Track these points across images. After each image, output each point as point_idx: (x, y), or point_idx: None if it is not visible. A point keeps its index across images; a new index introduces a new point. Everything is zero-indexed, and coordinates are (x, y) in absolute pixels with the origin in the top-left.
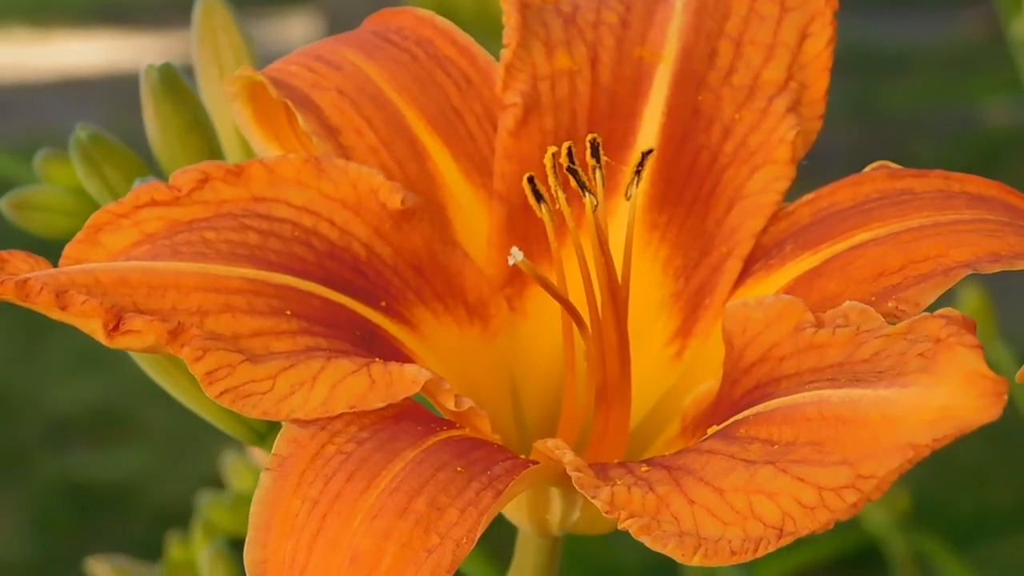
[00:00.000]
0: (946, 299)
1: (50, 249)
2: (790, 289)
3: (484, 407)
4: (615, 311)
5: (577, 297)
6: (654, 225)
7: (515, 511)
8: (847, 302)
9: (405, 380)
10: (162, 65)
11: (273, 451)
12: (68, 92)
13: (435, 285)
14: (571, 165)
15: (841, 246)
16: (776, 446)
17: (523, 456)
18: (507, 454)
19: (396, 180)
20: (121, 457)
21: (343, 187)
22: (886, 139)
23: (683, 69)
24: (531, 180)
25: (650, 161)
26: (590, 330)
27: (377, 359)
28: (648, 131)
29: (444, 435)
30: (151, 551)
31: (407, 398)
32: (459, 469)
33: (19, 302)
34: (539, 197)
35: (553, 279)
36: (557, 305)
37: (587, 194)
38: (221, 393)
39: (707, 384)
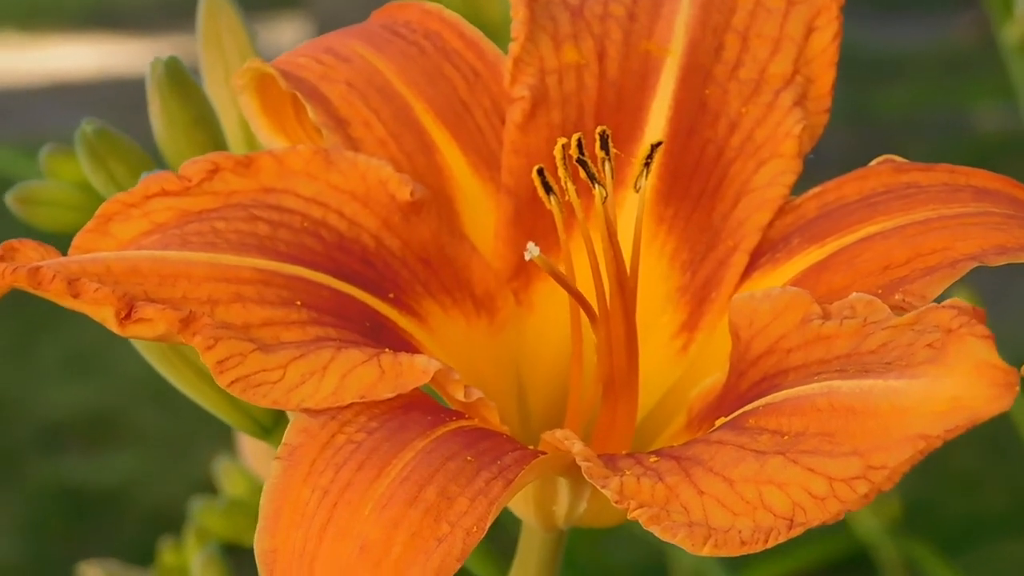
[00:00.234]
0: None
1: (55, 244)
2: (797, 282)
3: (491, 399)
4: (623, 303)
5: (585, 289)
6: (661, 218)
7: (522, 504)
8: (854, 294)
9: (415, 370)
10: (168, 59)
11: (283, 440)
12: (60, 96)
13: (443, 278)
14: (581, 156)
15: (848, 239)
16: (786, 437)
17: (531, 447)
18: (516, 444)
19: (404, 173)
20: (114, 461)
21: (352, 179)
22: (879, 143)
23: (690, 63)
24: (541, 172)
25: (658, 154)
26: (599, 322)
27: (386, 350)
28: (655, 125)
29: (453, 425)
30: (143, 555)
31: (416, 389)
32: (469, 459)
33: (31, 289)
34: (548, 189)
35: (562, 271)
36: (564, 298)
37: (597, 186)
38: (232, 382)
39: (713, 377)
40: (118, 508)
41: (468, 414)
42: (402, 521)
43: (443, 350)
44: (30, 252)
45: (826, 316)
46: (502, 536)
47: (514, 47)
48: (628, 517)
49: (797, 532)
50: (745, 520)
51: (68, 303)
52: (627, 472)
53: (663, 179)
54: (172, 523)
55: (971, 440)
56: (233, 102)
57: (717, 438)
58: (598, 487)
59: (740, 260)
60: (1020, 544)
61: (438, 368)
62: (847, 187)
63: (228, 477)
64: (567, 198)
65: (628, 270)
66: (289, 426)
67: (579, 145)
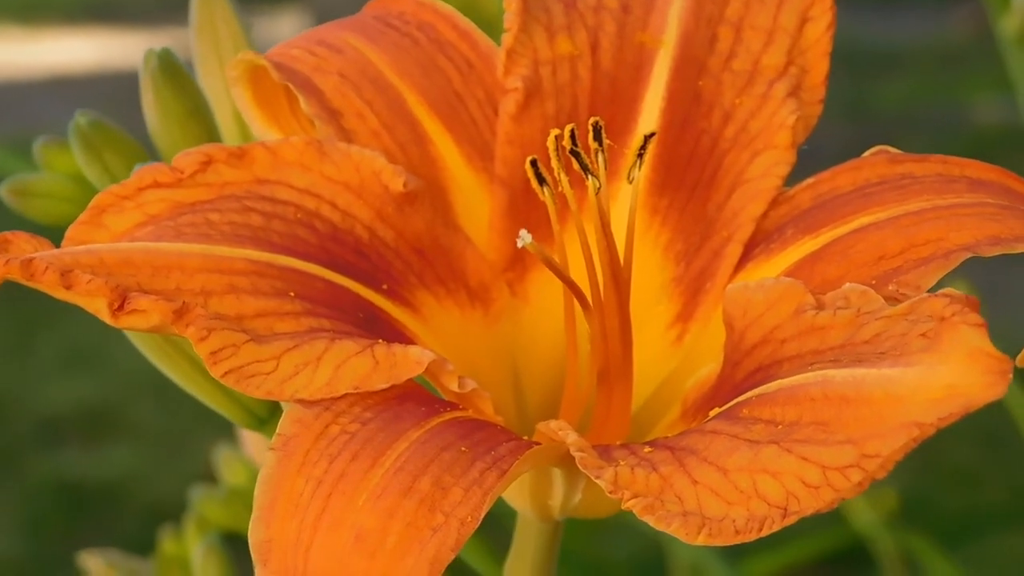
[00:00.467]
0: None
1: (49, 236)
2: (791, 273)
3: (485, 390)
4: (617, 293)
5: (579, 280)
6: (655, 210)
7: (517, 495)
8: (848, 284)
9: (409, 361)
10: (162, 51)
11: (277, 431)
12: (58, 90)
13: (437, 268)
14: (574, 147)
15: (842, 230)
16: (780, 426)
17: (526, 438)
18: (511, 435)
19: (398, 164)
20: (112, 455)
21: (346, 170)
22: (876, 136)
23: (684, 54)
24: (534, 163)
25: (651, 145)
26: (593, 313)
27: (380, 340)
28: (649, 116)
29: (448, 416)
30: (142, 549)
31: (410, 380)
32: (463, 449)
33: (24, 281)
34: (542, 180)
35: (555, 259)
36: (558, 289)
37: (590, 177)
38: (225, 373)
39: (708, 368)
40: (117, 503)
41: (462, 405)
42: (397, 511)
43: (437, 341)
44: (23, 244)
45: (820, 306)
46: (498, 527)
47: (507, 38)
48: (622, 507)
49: (791, 521)
50: (739, 509)
51: (61, 295)
52: (621, 462)
53: (657, 170)
54: (171, 517)
55: (969, 434)
56: (227, 93)
57: (711, 428)
58: (592, 477)
59: (734, 251)
60: (1018, 537)
61: (432, 359)
62: (841, 178)
63: (228, 466)
64: (560, 189)
65: (622, 261)
66: (283, 417)
67: (572, 136)
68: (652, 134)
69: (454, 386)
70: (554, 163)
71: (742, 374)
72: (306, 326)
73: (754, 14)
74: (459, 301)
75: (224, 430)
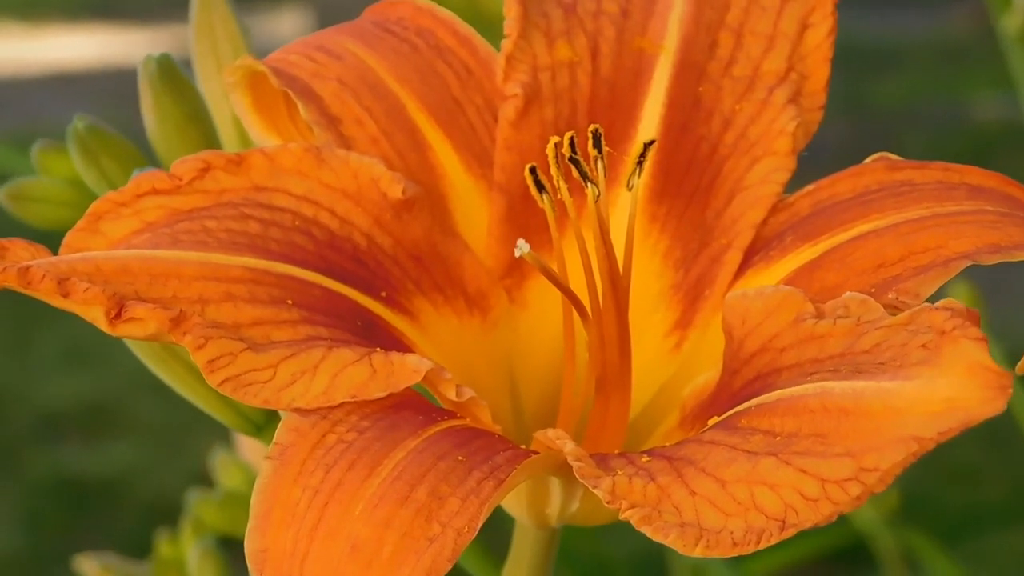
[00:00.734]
0: (937, 296)
1: (47, 240)
2: (790, 280)
3: (483, 398)
4: (616, 301)
5: (577, 288)
6: (654, 216)
7: (514, 503)
8: (847, 293)
9: (406, 370)
10: (160, 55)
11: (274, 440)
12: (59, 87)
13: (435, 276)
14: (573, 155)
15: (841, 237)
16: (778, 437)
17: (523, 447)
18: (508, 444)
19: (397, 170)
20: (112, 452)
21: (344, 177)
22: (877, 133)
23: (684, 60)
24: (533, 170)
25: (651, 152)
26: (591, 320)
27: (378, 349)
28: (648, 122)
29: (445, 425)
30: (142, 546)
31: (408, 388)
32: (460, 458)
33: (21, 289)
34: (541, 187)
35: (552, 268)
36: (556, 296)
37: (589, 184)
38: (223, 381)
39: (706, 375)
40: (116, 499)
41: (460, 413)
42: (393, 521)
43: (435, 349)
44: (20, 251)
45: (819, 315)
46: (496, 533)
47: (507, 44)
48: (620, 517)
49: (789, 534)
50: (737, 521)
51: (58, 303)
52: (619, 472)
53: (656, 177)
54: (170, 514)
55: (970, 432)
56: (226, 97)
57: (709, 438)
58: (590, 487)
59: (733, 258)
60: (1019, 535)
61: (430, 367)
62: (840, 185)
63: (224, 470)
64: (559, 196)
65: (621, 268)
66: (279, 425)
67: (571, 143)
68: (652, 142)
69: (452, 394)
70: (553, 170)
71: (741, 382)
72: (303, 334)
73: (754, 20)
74: (457, 308)
75: (223, 427)
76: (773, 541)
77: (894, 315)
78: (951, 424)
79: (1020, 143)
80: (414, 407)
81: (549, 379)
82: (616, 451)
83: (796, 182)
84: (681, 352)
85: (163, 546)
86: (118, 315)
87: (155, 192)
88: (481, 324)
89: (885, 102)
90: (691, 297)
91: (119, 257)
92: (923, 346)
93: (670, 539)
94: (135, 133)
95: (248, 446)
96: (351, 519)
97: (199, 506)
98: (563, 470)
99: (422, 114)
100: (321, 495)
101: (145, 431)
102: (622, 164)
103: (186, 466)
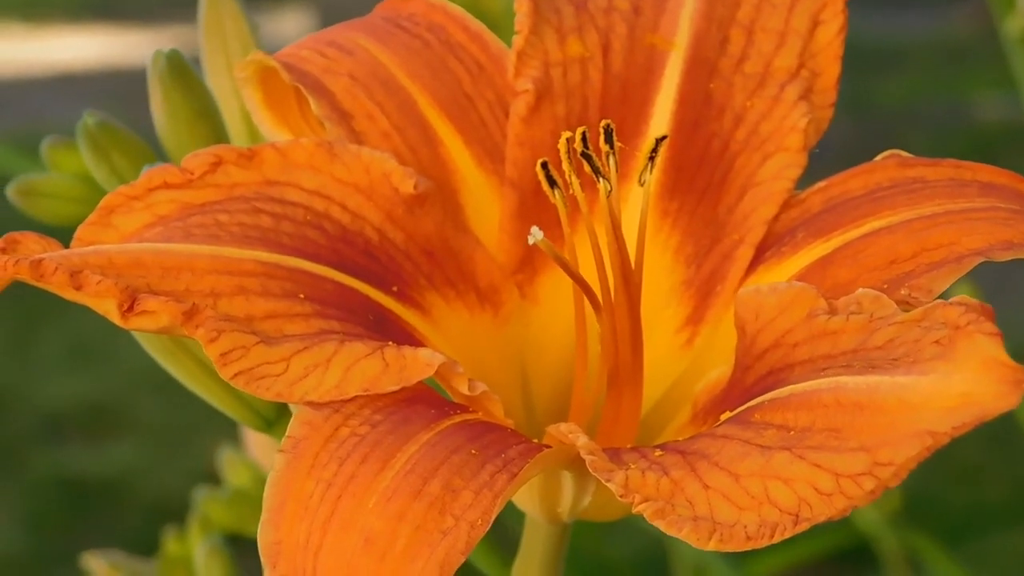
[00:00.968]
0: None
1: (56, 237)
2: (802, 276)
3: (495, 392)
4: (628, 296)
5: (590, 282)
6: (665, 212)
7: (526, 497)
8: (860, 289)
9: (419, 363)
10: (170, 51)
11: (287, 433)
12: (62, 87)
13: (447, 270)
14: (585, 150)
15: (853, 234)
16: (792, 432)
17: (535, 441)
18: (520, 438)
19: (408, 166)
20: (115, 452)
21: (356, 171)
22: (879, 133)
23: (695, 56)
24: (545, 165)
25: (663, 148)
26: (603, 314)
27: (390, 343)
28: (660, 119)
29: (458, 418)
30: (145, 546)
31: (420, 382)
32: (473, 452)
33: (34, 282)
34: (552, 183)
35: (565, 257)
36: (568, 292)
37: (601, 179)
38: (235, 375)
39: (718, 371)
40: (119, 499)
41: (472, 407)
42: (407, 514)
43: (447, 343)
44: (32, 244)
45: (832, 311)
46: (506, 528)
47: (518, 40)
48: (633, 511)
49: (803, 528)
50: (750, 515)
51: (70, 295)
52: (632, 466)
53: (668, 173)
54: (173, 514)
55: (973, 432)
56: (235, 93)
57: (722, 432)
58: (603, 481)
59: (745, 254)
60: (1021, 535)
61: (442, 361)
62: (852, 181)
63: (232, 467)
64: (571, 192)
65: (632, 264)
66: (292, 419)
67: (583, 139)
68: (664, 137)
69: (464, 388)
70: (565, 165)
71: (753, 378)
72: (316, 328)
73: (766, 16)
74: (469, 303)
75: (228, 427)
76: (787, 535)
77: (907, 311)
78: (966, 419)
79: (1022, 143)
80: (427, 401)
81: (561, 374)
82: (629, 446)
83: (800, 181)
84: (693, 348)
85: (170, 543)
86: (130, 308)
87: (167, 186)
88: (493, 319)
89: (887, 102)
90: (703, 293)
91: (131, 250)
92: (937, 342)
93: (684, 533)
94: (140, 133)
95: (255, 444)
96: (364, 512)
97: (206, 504)
98: (576, 464)
99: (433, 109)
100: (334, 488)
101: (147, 431)
102: (634, 160)
103: (188, 466)
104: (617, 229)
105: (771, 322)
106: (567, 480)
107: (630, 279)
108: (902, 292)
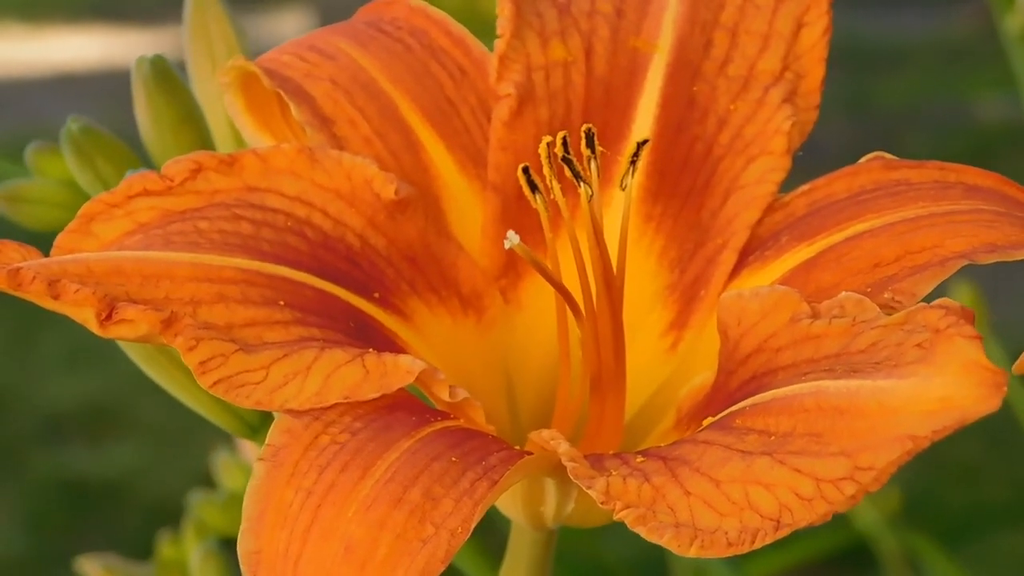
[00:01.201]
0: (938, 295)
1: (41, 242)
2: (786, 280)
3: (478, 398)
4: (610, 301)
5: (572, 288)
6: (649, 216)
7: (509, 504)
8: (843, 293)
9: (399, 370)
10: (154, 57)
11: (267, 441)
12: (61, 88)
13: (429, 276)
14: (566, 155)
15: (837, 237)
16: (773, 437)
17: (517, 447)
18: (502, 444)
19: (390, 171)
20: (114, 453)
21: (337, 177)
22: (879, 134)
23: (678, 59)
24: (526, 170)
25: (645, 152)
26: (585, 320)
27: (371, 350)
28: (643, 122)
29: (439, 425)
30: (144, 547)
31: (401, 389)
32: (454, 459)
33: (11, 291)
34: (534, 188)
35: (545, 263)
36: (551, 297)
37: (582, 184)
38: (215, 383)
39: (702, 376)
40: (119, 500)
41: (454, 414)
42: (387, 522)
43: (429, 349)
44: (11, 253)
45: (815, 315)
46: (494, 533)
47: (500, 44)
48: (614, 518)
49: (784, 533)
50: (732, 521)
51: (49, 304)
52: (613, 472)
53: (651, 176)
54: (173, 515)
55: (971, 432)
56: (221, 98)
57: (704, 438)
58: (584, 487)
59: (729, 258)
60: (1021, 536)
61: (423, 368)
62: (836, 184)
63: (226, 471)
64: (552, 196)
65: (615, 268)
66: (272, 427)
67: (564, 143)
68: (645, 141)
69: (445, 395)
70: (546, 170)
71: (736, 383)
72: (296, 335)
73: (749, 19)
74: (451, 309)
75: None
76: (768, 541)
77: (890, 315)
78: (946, 422)
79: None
80: (407, 408)
81: (546, 379)
82: (612, 452)
83: (798, 182)
84: (677, 353)
85: (165, 547)
86: (108, 316)
87: (147, 193)
88: (476, 325)
89: (887, 102)
90: (687, 297)
91: (111, 258)
92: (918, 345)
93: (665, 539)
94: (136, 134)
95: (250, 447)
96: (345, 520)
97: (201, 507)
98: (558, 471)
99: (415, 114)
100: (314, 496)
101: (147, 432)
102: (616, 164)
103: (189, 467)
104: (599, 234)
105: (754, 327)
106: (550, 486)
107: (612, 284)
108: (885, 295)
